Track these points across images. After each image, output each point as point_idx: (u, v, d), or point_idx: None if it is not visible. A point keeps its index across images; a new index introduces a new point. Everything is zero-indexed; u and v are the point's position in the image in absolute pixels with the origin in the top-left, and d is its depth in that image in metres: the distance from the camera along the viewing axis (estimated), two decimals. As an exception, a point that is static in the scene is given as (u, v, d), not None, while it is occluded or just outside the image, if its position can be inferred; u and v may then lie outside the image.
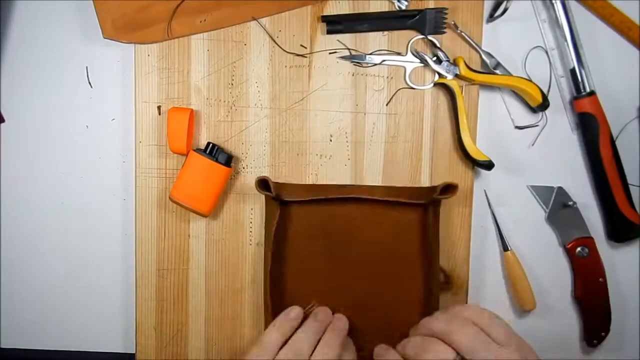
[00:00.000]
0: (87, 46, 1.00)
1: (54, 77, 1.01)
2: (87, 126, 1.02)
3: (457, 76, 0.96)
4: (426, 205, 0.96)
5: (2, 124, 1.01)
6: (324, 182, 0.99)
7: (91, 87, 1.01)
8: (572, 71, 1.00)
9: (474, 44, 0.97)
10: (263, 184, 0.94)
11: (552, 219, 1.03)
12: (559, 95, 1.02)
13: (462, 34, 0.97)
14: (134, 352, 1.00)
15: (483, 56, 0.98)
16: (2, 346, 1.05)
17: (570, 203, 1.02)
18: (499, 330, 0.81)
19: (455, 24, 0.97)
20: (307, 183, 0.99)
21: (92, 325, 1.04)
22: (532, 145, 1.02)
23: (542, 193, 1.03)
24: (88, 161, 1.02)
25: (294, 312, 0.91)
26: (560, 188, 1.02)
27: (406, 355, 0.85)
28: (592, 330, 1.04)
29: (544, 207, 1.03)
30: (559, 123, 1.03)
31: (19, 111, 1.01)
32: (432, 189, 0.97)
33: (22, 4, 1.00)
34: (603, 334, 1.03)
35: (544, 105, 0.97)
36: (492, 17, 1.00)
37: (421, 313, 0.96)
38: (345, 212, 0.97)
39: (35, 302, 1.04)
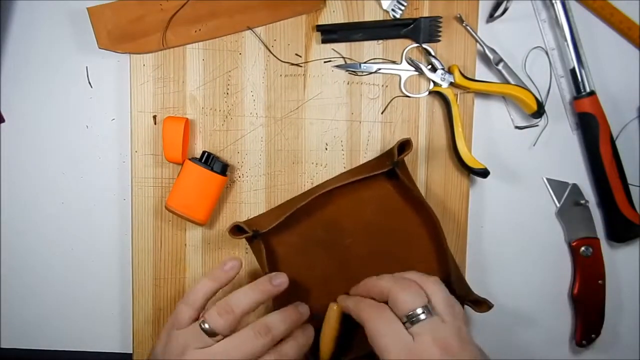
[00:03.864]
0: (87, 46, 0.99)
1: (53, 77, 1.01)
2: (87, 126, 1.02)
3: (452, 84, 0.96)
4: (392, 170, 0.94)
5: (2, 124, 1.01)
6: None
7: (91, 87, 1.01)
8: (572, 71, 1.00)
9: (477, 39, 0.97)
10: (236, 229, 0.93)
11: (562, 214, 1.04)
12: (559, 95, 1.02)
13: (467, 27, 0.97)
14: (131, 352, 1.01)
15: (487, 51, 0.98)
16: (2, 346, 1.05)
17: (583, 202, 1.02)
18: (438, 297, 0.83)
19: (460, 17, 0.97)
20: (275, 204, 0.99)
21: (91, 325, 1.05)
22: (534, 145, 1.02)
23: (556, 187, 1.04)
24: (88, 161, 1.02)
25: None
26: (574, 185, 1.03)
27: (382, 288, 0.85)
28: (583, 330, 1.04)
29: (556, 201, 1.03)
30: (559, 123, 1.03)
31: (19, 111, 1.01)
32: (389, 153, 0.96)
33: (22, 4, 1.00)
34: (593, 335, 1.04)
35: (539, 112, 0.96)
36: (492, 17, 1.00)
37: (438, 269, 0.97)
38: (326, 214, 0.97)
39: (35, 302, 1.05)
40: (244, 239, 0.96)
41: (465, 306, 0.94)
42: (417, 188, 0.97)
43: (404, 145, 0.93)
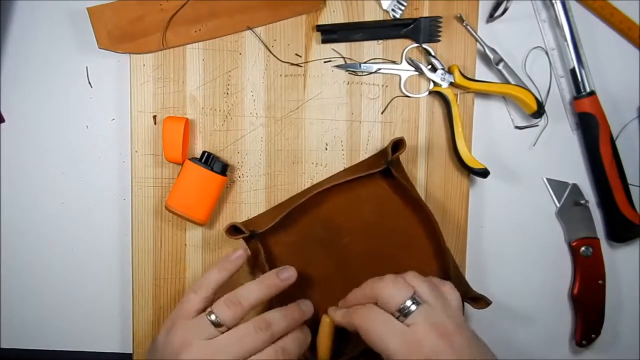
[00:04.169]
0: (87, 46, 0.99)
1: (53, 77, 1.01)
2: (87, 126, 1.02)
3: (452, 84, 0.96)
4: (387, 169, 0.94)
5: (2, 124, 1.01)
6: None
7: (91, 87, 1.01)
8: (572, 71, 1.00)
9: (477, 38, 0.97)
10: (233, 229, 0.93)
11: (562, 214, 1.04)
12: (559, 95, 1.02)
13: (467, 27, 0.97)
14: (131, 352, 1.00)
15: (487, 51, 0.98)
16: (2, 346, 1.05)
17: (583, 202, 1.02)
18: (423, 288, 0.84)
19: (461, 17, 0.97)
20: (275, 204, 0.99)
21: (91, 325, 1.05)
22: (534, 145, 1.02)
23: (556, 187, 1.04)
24: (88, 161, 1.02)
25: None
26: (574, 185, 1.03)
27: (366, 291, 0.86)
28: (583, 331, 1.04)
29: (556, 201, 1.03)
30: (559, 123, 1.03)
31: (19, 111, 1.01)
32: (384, 152, 0.96)
33: (22, 4, 1.00)
34: (593, 335, 1.04)
35: (539, 113, 0.96)
36: (492, 17, 1.00)
37: (437, 269, 0.97)
38: (323, 212, 0.97)
39: (35, 302, 1.05)
40: (241, 240, 0.95)
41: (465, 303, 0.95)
42: (413, 187, 0.97)
43: (398, 144, 0.93)
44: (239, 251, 0.90)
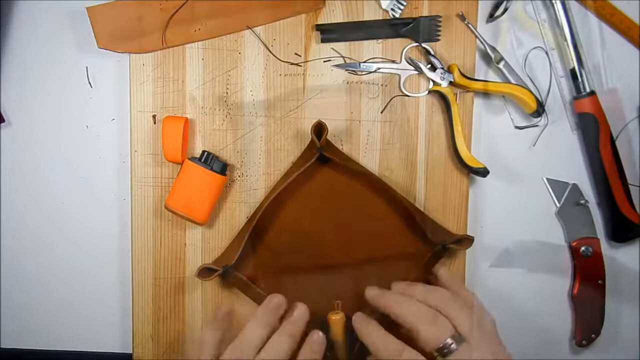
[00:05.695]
0: (87, 46, 0.99)
1: (54, 77, 1.01)
2: (87, 126, 1.02)
3: (451, 83, 0.96)
4: (321, 155, 0.94)
5: (2, 124, 1.01)
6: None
7: (91, 87, 1.01)
8: (572, 71, 1.00)
9: (478, 36, 0.97)
10: (205, 271, 0.94)
11: (562, 214, 1.03)
12: (559, 95, 1.02)
13: (469, 25, 0.97)
14: (131, 352, 1.00)
15: (487, 49, 0.98)
16: (2, 346, 1.05)
17: (583, 202, 1.02)
18: (465, 323, 0.83)
19: (462, 15, 0.97)
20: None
21: (91, 325, 1.05)
22: (534, 145, 1.02)
23: (556, 187, 1.03)
24: (88, 161, 1.02)
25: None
26: (574, 185, 1.03)
27: (405, 319, 0.85)
28: (583, 330, 1.04)
29: (556, 201, 1.03)
30: (559, 123, 1.03)
31: (19, 111, 1.02)
32: (312, 142, 0.96)
33: (22, 4, 1.00)
34: (593, 335, 1.04)
35: (538, 112, 0.96)
36: (492, 17, 1.00)
37: (407, 226, 0.98)
38: (283, 222, 0.98)
39: (35, 302, 1.05)
40: (216, 279, 0.96)
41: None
42: (353, 161, 0.97)
43: (320, 129, 0.92)
44: (223, 307, 0.90)
